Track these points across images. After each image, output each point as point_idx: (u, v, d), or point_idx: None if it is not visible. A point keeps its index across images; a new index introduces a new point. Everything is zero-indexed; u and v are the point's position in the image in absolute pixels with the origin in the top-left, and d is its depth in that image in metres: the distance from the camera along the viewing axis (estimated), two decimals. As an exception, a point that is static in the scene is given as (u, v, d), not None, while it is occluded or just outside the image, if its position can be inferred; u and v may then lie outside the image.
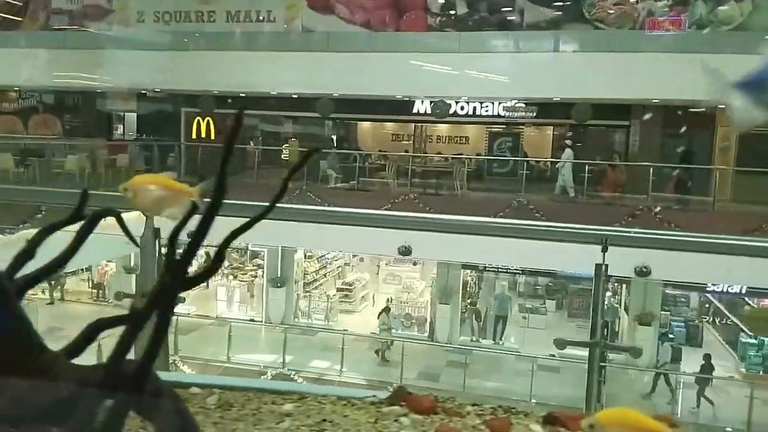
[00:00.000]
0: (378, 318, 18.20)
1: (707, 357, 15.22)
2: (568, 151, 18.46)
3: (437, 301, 18.50)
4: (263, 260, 21.22)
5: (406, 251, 15.18)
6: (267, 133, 24.05)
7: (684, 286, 18.82)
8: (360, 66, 17.07)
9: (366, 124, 24.05)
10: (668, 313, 18.79)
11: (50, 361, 1.43)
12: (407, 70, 16.84)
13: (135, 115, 24.54)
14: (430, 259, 18.65)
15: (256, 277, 21.36)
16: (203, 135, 22.79)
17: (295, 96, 20.18)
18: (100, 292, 22.74)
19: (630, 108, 19.34)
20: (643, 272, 14.48)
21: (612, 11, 16.15)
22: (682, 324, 18.86)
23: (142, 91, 22.37)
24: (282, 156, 21.92)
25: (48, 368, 1.39)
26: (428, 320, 19.10)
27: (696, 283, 17.88)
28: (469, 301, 19.35)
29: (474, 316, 18.76)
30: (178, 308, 20.56)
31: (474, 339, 18.48)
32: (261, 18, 18.33)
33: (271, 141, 23.29)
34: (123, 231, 1.77)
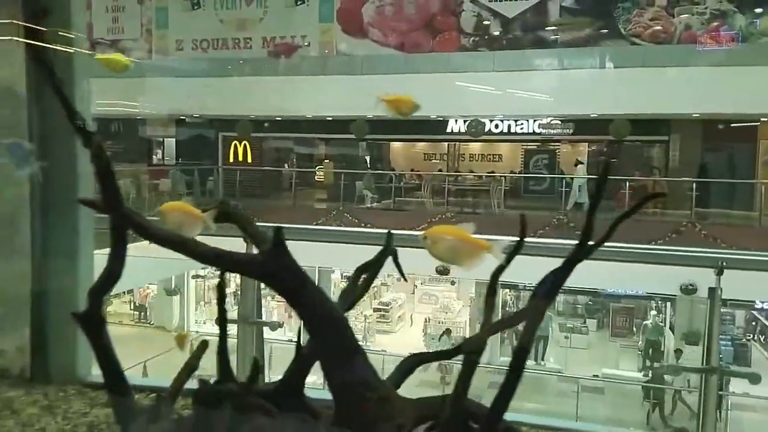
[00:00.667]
0: (439, 340, 18.09)
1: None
2: (581, 168, 18.44)
3: (477, 322, 18.32)
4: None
5: (444, 270, 15.12)
6: (302, 156, 24.45)
7: (730, 303, 18.31)
8: (394, 88, 17.04)
9: (397, 144, 24.20)
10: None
11: (389, 396, 1.40)
12: (442, 90, 16.92)
13: (174, 140, 25.14)
14: (467, 278, 18.52)
15: (293, 297, 21.43)
16: (240, 158, 23.23)
17: (330, 118, 20.46)
18: (142, 314, 23.16)
19: (669, 122, 19.09)
20: (689, 290, 14.18)
21: (648, 26, 15.96)
22: (729, 343, 18.33)
23: (181, 117, 22.91)
24: (316, 177, 22.17)
25: (389, 404, 1.37)
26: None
27: (743, 301, 17.39)
28: (507, 320, 19.05)
29: (514, 336, 18.47)
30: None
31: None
32: (296, 44, 18.60)
33: (305, 163, 23.64)
34: (396, 266, 1.80)
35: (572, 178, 18.02)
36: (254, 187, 21.16)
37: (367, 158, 23.63)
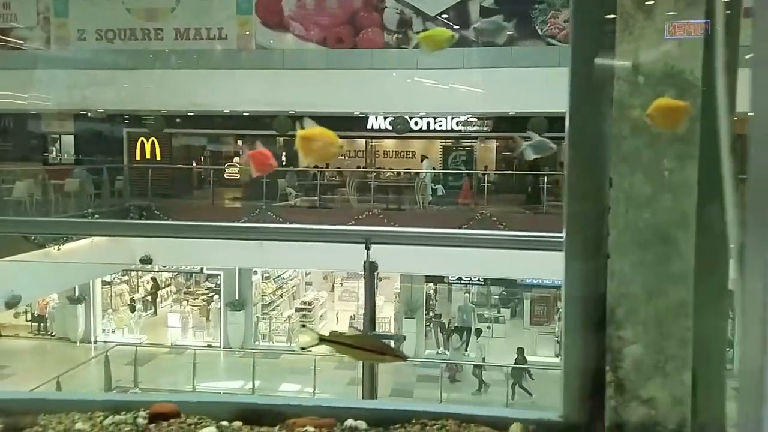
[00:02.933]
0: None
1: (520, 351, 16.33)
2: (427, 162, 19.57)
3: (402, 316, 18.57)
4: (215, 283, 20.84)
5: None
6: (216, 153, 23.71)
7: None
8: (317, 83, 17.06)
9: (311, 141, 23.88)
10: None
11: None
12: (364, 86, 16.98)
13: (72, 136, 23.63)
14: (394, 272, 18.71)
15: (211, 301, 20.89)
16: (148, 156, 22.18)
17: (247, 114, 19.99)
18: (42, 325, 21.58)
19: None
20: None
21: (563, 28, 16.81)
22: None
23: (82, 112, 21.57)
24: (226, 174, 21.58)
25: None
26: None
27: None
28: (432, 313, 19.52)
29: (439, 328, 18.92)
30: (129, 338, 20.08)
31: (440, 352, 18.62)
32: (212, 36, 18.06)
33: (220, 160, 22.94)
34: None
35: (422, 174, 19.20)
36: (166, 186, 20.32)
37: (283, 155, 23.27)
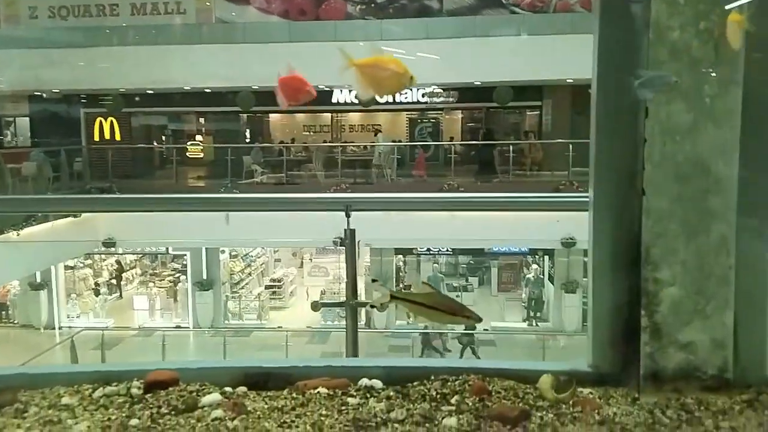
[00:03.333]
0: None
1: None
2: (381, 136, 19.62)
3: (372, 288, 18.50)
4: (182, 264, 20.48)
5: (340, 241, 15.06)
6: (177, 131, 23.14)
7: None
8: (280, 57, 16.67)
9: (276, 116, 23.59)
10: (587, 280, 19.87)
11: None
12: (328, 59, 16.58)
13: (27, 119, 22.78)
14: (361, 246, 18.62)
15: (178, 281, 20.55)
16: (107, 136, 21.52)
17: (209, 90, 19.51)
18: (3, 312, 20.94)
19: (542, 88, 20.13)
20: (569, 243, 15.32)
21: (526, -5, 16.72)
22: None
23: (36, 93, 20.79)
24: (188, 153, 21.10)
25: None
26: (363, 309, 19.10)
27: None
28: (402, 285, 19.54)
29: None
30: (95, 322, 19.66)
31: (410, 322, 18.67)
32: (170, 10, 17.46)
33: (182, 139, 22.41)
34: None
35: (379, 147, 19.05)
36: (127, 167, 19.77)
37: (247, 132, 22.87)
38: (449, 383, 1.48)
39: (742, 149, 1.30)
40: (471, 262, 21.96)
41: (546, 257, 19.74)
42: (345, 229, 4.31)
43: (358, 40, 16.68)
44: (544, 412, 1.35)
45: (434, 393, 1.46)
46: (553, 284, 19.02)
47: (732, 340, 1.36)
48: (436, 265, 20.24)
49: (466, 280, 21.28)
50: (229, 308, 20.09)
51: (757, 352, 1.36)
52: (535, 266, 19.69)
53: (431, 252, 20.29)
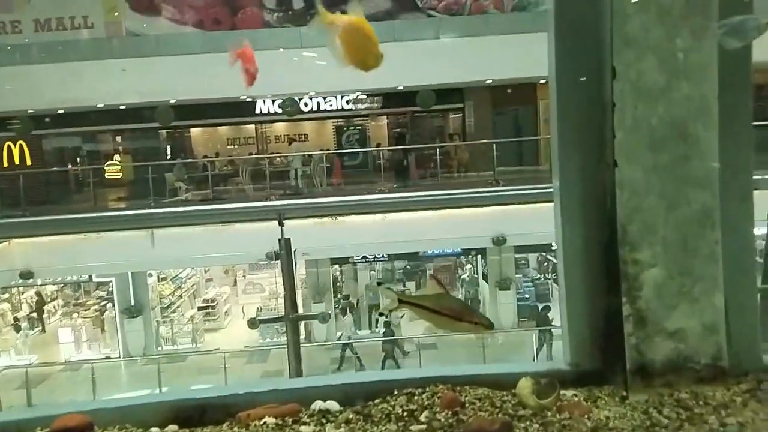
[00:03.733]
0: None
1: (387, 324, 16.57)
2: (295, 145, 19.88)
3: (311, 301, 18.20)
4: (107, 291, 19.55)
5: (276, 255, 14.72)
6: (92, 152, 22.11)
7: (527, 248, 20.27)
8: (197, 68, 16.16)
9: (198, 130, 22.93)
10: (519, 276, 20.21)
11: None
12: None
13: None
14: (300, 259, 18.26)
15: (104, 310, 19.58)
16: (17, 162, 20.31)
17: (124, 107, 18.72)
18: None
19: (463, 91, 20.36)
20: (499, 241, 15.53)
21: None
22: (530, 284, 20.38)
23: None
24: (106, 174, 20.19)
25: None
26: (301, 322, 18.74)
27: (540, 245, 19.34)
28: (341, 295, 19.29)
29: (349, 309, 18.74)
30: (17, 360, 18.47)
31: (351, 332, 18.46)
32: (77, 25, 16.62)
33: (98, 160, 21.42)
34: None
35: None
36: (41, 192, 18.69)
37: (169, 148, 22.10)
38: (416, 397, 1.28)
39: (721, 107, 1.16)
40: (407, 267, 21.99)
41: (479, 256, 19.95)
42: (279, 239, 4.07)
43: (277, 48, 16.38)
44: (528, 422, 1.17)
45: (400, 410, 1.25)
46: (487, 282, 19.21)
47: (724, 323, 1.22)
48: (373, 272, 20.13)
49: (403, 285, 21.24)
50: (161, 334, 19.29)
51: (749, 336, 1.23)
52: (468, 266, 19.87)
53: (367, 260, 20.18)
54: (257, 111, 19.75)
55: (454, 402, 1.23)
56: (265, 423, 1.22)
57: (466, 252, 19.94)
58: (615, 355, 1.24)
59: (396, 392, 1.30)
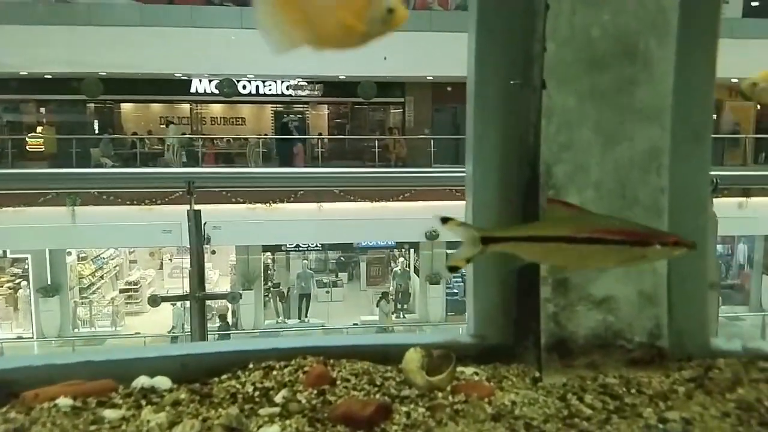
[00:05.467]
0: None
1: (222, 317, 16.26)
2: (173, 127, 19.14)
3: (240, 288, 17.75)
4: (22, 268, 18.50)
5: (206, 240, 14.23)
6: (15, 123, 20.86)
7: (459, 244, 20.36)
8: (130, 42, 15.41)
9: (129, 107, 21.97)
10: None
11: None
12: (185, 46, 15.61)
13: None
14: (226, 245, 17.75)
15: (18, 288, 18.54)
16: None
17: (49, 76, 17.70)
18: None
19: (404, 86, 20.26)
20: (432, 236, 15.59)
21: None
22: (460, 279, 20.56)
23: None
24: (29, 147, 19.10)
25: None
26: (230, 309, 18.27)
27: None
28: (271, 283, 18.90)
29: (278, 297, 18.40)
30: None
31: (280, 320, 18.14)
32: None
33: (21, 131, 20.23)
34: None
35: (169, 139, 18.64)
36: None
37: (96, 123, 21.06)
38: (275, 372, 1.00)
39: (682, 20, 0.91)
40: (341, 258, 21.82)
41: (412, 250, 19.96)
42: (188, 210, 3.69)
43: (216, 27, 15.80)
44: (413, 405, 0.92)
45: (251, 389, 0.97)
46: (418, 276, 19.23)
47: (666, 293, 0.97)
48: (305, 261, 19.86)
49: (336, 276, 21.09)
50: (79, 315, 18.43)
51: (697, 312, 0.98)
52: (401, 259, 19.85)
53: (300, 249, 19.88)
54: (192, 90, 19.03)
55: (321, 378, 0.96)
56: (55, 405, 0.91)
57: (399, 245, 19.93)
58: (529, 327, 0.98)
59: (252, 366, 1.02)
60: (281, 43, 0.82)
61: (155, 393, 0.96)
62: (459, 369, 0.95)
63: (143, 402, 0.94)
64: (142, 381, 0.97)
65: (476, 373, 0.98)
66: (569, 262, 0.95)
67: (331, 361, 0.99)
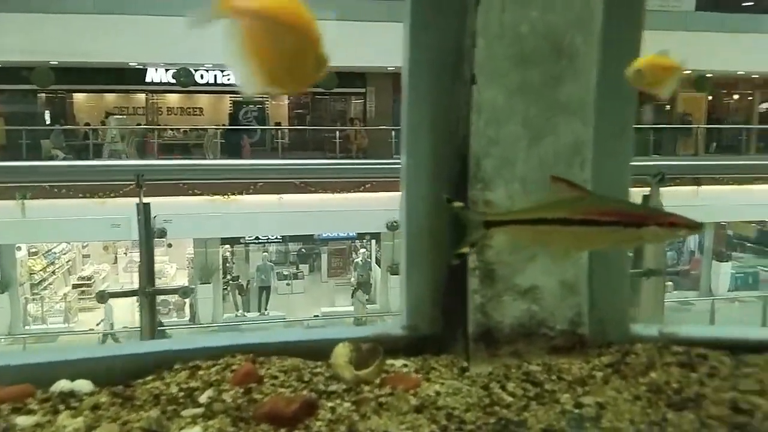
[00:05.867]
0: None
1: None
2: (113, 119, 18.86)
3: (197, 282, 17.50)
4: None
5: (161, 233, 14.00)
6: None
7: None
8: (83, 29, 15.01)
9: (81, 97, 21.41)
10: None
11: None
12: (141, 34, 15.26)
13: None
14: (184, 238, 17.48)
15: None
16: None
17: (-2, 66, 17.15)
18: None
19: (365, 76, 20.21)
20: (393, 227, 15.68)
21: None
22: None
23: None
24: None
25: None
26: (187, 303, 18.01)
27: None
28: (230, 276, 18.69)
29: (237, 290, 18.20)
30: None
31: (239, 314, 17.96)
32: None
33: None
34: None
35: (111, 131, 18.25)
36: None
37: (47, 113, 20.47)
38: (201, 372, 0.99)
39: (606, 19, 0.92)
40: (302, 249, 21.71)
41: (373, 241, 19.99)
42: (137, 204, 3.62)
43: (177, 15, 15.48)
44: (338, 401, 0.92)
45: (175, 390, 0.95)
46: (380, 267, 19.28)
47: (586, 282, 0.99)
48: (265, 254, 19.68)
49: (297, 268, 20.97)
50: (30, 312, 17.96)
51: (617, 299, 1.01)
52: (363, 250, 19.86)
53: (260, 241, 19.70)
54: (148, 79, 18.63)
55: (248, 377, 0.95)
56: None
57: (360, 236, 19.92)
58: (458, 318, 1.00)
59: (179, 366, 1.01)
60: (245, 83, 0.89)
61: (74, 397, 0.93)
62: (389, 362, 0.96)
63: (61, 407, 0.91)
64: (62, 385, 0.94)
65: (405, 365, 0.99)
66: (569, 244, 0.96)
67: (261, 358, 0.98)
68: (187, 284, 18.19)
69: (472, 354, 0.98)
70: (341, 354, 0.93)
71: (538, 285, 0.98)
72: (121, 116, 18.99)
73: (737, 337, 1.06)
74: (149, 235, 3.66)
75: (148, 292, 3.83)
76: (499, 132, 0.96)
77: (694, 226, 0.97)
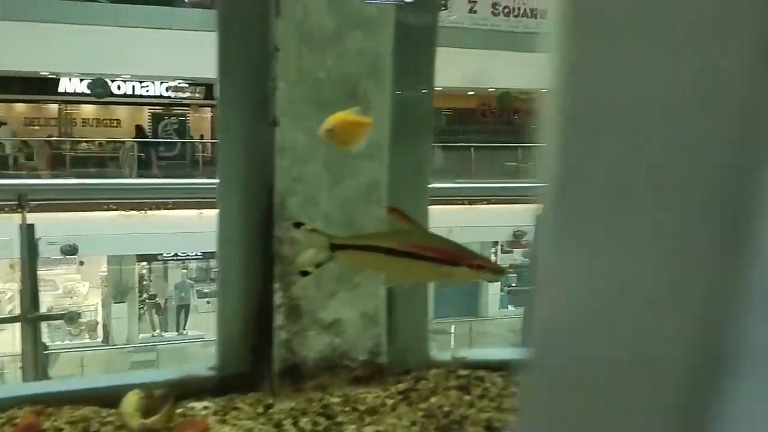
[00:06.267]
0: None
1: None
2: (5, 129, 18.42)
3: (111, 301, 16.83)
4: None
5: (71, 250, 13.47)
6: None
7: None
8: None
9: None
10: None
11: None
12: (53, 42, 14.71)
13: None
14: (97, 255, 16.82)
15: None
16: None
17: None
18: None
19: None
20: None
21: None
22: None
23: None
24: None
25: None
26: (99, 323, 17.27)
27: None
28: (146, 295, 18.06)
29: (154, 309, 17.59)
30: None
31: (156, 333, 17.36)
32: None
33: None
34: None
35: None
36: None
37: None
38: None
39: (398, 66, 0.98)
40: (223, 267, 21.33)
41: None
42: (20, 224, 3.49)
43: (89, 24, 15.02)
44: (121, 451, 0.89)
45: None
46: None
47: (386, 312, 1.03)
48: (185, 271, 19.10)
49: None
50: None
51: (417, 327, 1.06)
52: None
53: (180, 257, 19.11)
54: (61, 89, 17.94)
55: (29, 429, 0.92)
56: None
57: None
58: (267, 356, 1.02)
59: None
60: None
61: None
62: (190, 404, 0.97)
63: None
64: None
65: (206, 407, 0.99)
66: (398, 274, 0.99)
67: (50, 409, 0.96)
68: (99, 303, 17.52)
69: (277, 390, 1.00)
70: (129, 402, 0.93)
71: (341, 318, 1.01)
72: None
73: (509, 358, 1.14)
74: (33, 257, 3.55)
75: (30, 318, 3.68)
76: (302, 171, 0.99)
77: (499, 271, 1.03)
